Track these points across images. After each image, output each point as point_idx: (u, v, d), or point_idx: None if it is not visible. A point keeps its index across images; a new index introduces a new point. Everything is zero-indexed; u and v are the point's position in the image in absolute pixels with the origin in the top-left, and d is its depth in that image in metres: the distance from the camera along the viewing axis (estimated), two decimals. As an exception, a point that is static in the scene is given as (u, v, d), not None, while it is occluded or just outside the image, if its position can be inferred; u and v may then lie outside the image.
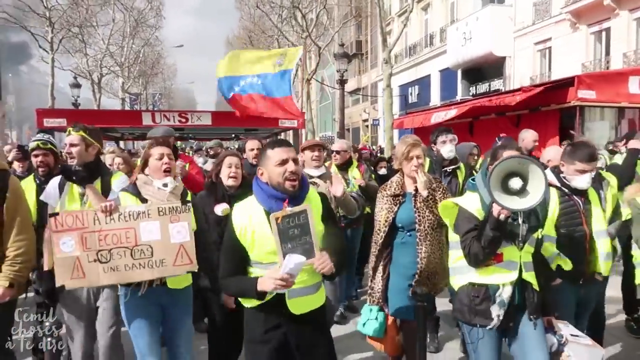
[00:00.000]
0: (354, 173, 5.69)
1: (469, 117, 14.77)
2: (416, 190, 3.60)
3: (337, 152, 5.50)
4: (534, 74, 20.12)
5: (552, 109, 12.10)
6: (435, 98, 27.49)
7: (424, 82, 28.88)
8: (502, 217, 2.62)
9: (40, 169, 4.01)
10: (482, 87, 23.08)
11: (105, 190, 3.36)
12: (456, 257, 2.97)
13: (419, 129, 18.56)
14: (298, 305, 2.52)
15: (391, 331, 3.73)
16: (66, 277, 2.94)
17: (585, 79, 11.69)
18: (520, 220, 2.71)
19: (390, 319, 3.73)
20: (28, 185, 3.94)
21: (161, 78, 46.80)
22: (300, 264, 2.32)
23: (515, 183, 2.57)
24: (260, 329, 2.55)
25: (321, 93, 47.79)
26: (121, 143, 24.19)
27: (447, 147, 5.08)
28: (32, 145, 4.07)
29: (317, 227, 2.49)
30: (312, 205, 2.53)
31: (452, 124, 15.68)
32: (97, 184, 3.37)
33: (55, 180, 3.49)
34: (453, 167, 5.14)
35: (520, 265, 2.81)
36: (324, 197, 2.71)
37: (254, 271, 2.55)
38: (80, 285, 3.04)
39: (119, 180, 3.49)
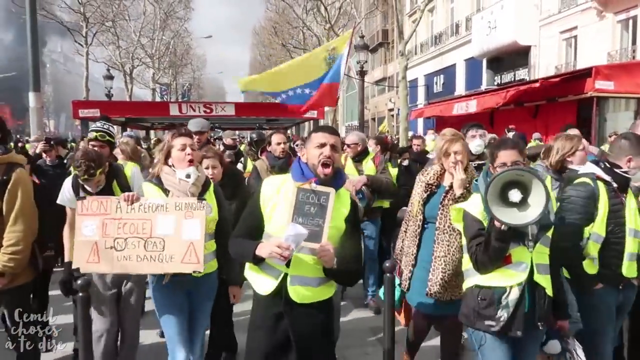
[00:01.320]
0: (369, 165, 5.66)
1: (489, 109, 14.90)
2: (451, 186, 3.44)
3: (348, 146, 5.51)
4: (559, 63, 19.89)
5: (569, 99, 12.18)
6: (460, 87, 27.36)
7: (449, 72, 28.76)
8: (504, 227, 2.49)
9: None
10: (507, 77, 22.91)
11: (125, 189, 3.51)
12: (466, 261, 2.86)
13: (440, 119, 18.78)
14: (298, 294, 2.51)
15: (407, 304, 3.81)
16: (83, 260, 3.05)
17: (603, 70, 11.75)
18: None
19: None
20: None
21: (190, 68, 47.73)
22: (301, 235, 2.33)
23: (515, 196, 2.45)
24: (262, 315, 2.58)
25: (347, 83, 47.88)
26: (151, 132, 25.16)
27: (475, 142, 4.79)
28: (90, 135, 4.01)
29: (334, 221, 2.48)
30: (340, 202, 2.55)
31: (471, 115, 15.92)
32: (115, 186, 3.50)
33: (68, 182, 3.56)
34: (480, 162, 4.86)
35: (532, 267, 2.65)
36: (355, 203, 2.68)
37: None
38: (94, 270, 3.15)
39: (133, 175, 3.77)
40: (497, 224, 2.50)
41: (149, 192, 3.21)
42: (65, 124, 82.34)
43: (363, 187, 5.13)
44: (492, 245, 2.55)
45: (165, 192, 3.19)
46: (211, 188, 3.31)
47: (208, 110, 13.79)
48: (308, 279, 2.53)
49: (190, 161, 3.15)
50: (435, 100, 27.93)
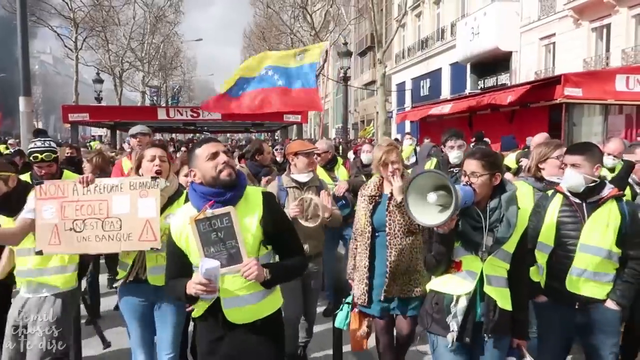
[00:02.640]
0: (340, 171, 5.74)
1: (467, 112, 15.48)
2: (392, 193, 3.56)
3: (318, 155, 5.35)
4: (539, 69, 20.49)
5: (541, 105, 12.73)
6: (445, 91, 27.92)
7: (435, 76, 29.30)
8: (440, 230, 2.55)
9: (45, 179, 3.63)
10: (490, 81, 23.51)
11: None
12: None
13: (423, 122, 19.32)
14: (236, 315, 2.41)
15: (354, 324, 3.76)
16: (45, 243, 3.12)
17: (572, 77, 12.31)
18: (484, 230, 2.59)
19: (355, 313, 3.74)
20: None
21: (181, 71, 48.04)
22: (214, 268, 2.25)
23: (431, 197, 2.49)
24: (205, 339, 2.51)
25: (338, 85, 48.43)
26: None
27: (454, 153, 4.95)
28: (34, 158, 3.75)
29: (248, 232, 2.39)
30: (249, 206, 2.45)
31: (452, 118, 16.50)
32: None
33: None
34: (459, 169, 4.98)
35: (482, 277, 2.65)
36: (268, 196, 2.59)
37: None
38: (56, 251, 3.20)
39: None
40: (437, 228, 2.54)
41: None
42: (54, 125, 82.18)
43: (345, 193, 5.09)
44: (434, 244, 2.63)
45: None
46: (181, 199, 3.23)
47: (195, 115, 14.20)
48: (244, 298, 2.41)
49: (158, 172, 3.18)
50: (420, 103, 28.53)
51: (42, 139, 3.92)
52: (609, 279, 3.05)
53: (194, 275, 2.35)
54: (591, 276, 3.02)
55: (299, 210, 3.87)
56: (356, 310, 3.72)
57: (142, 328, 3.24)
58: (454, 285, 2.68)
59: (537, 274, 3.18)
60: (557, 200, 3.14)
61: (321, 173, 5.24)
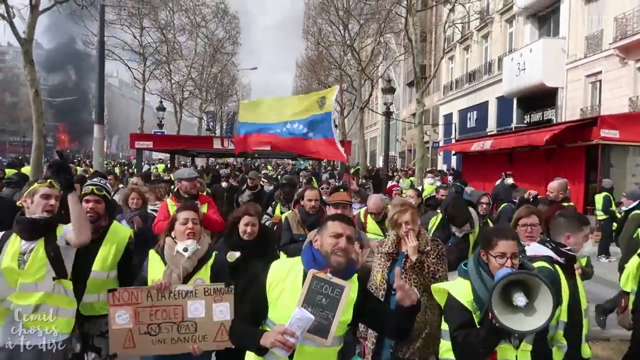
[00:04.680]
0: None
1: (507, 149, 15.93)
2: (407, 253, 3.56)
3: (371, 214, 5.29)
4: (584, 106, 20.57)
5: (578, 145, 13.08)
6: (492, 124, 28.17)
7: (482, 108, 29.63)
8: (499, 325, 2.37)
9: (89, 215, 3.65)
10: (536, 116, 23.68)
11: (51, 250, 3.16)
12: (446, 349, 2.71)
13: (465, 155, 19.78)
14: None
15: None
16: (119, 347, 3.18)
17: (608, 119, 12.72)
18: None
19: None
20: None
21: (236, 97, 50.46)
22: (308, 321, 2.24)
23: (521, 301, 2.31)
24: None
25: (392, 111, 49.23)
26: (197, 160, 27.25)
27: (458, 232, 4.94)
28: (85, 190, 3.86)
29: (344, 315, 2.39)
30: (351, 289, 2.45)
31: (493, 154, 16.95)
32: (41, 244, 3.16)
33: None
34: (465, 231, 5.02)
35: None
36: (362, 283, 2.64)
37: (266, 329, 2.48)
38: (130, 354, 3.25)
39: (66, 230, 3.24)
40: (491, 317, 2.37)
41: (152, 261, 3.36)
42: (117, 144, 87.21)
43: None
44: (482, 336, 2.45)
45: (165, 263, 3.30)
46: (209, 262, 3.36)
47: (247, 145, 15.47)
48: None
49: (191, 235, 3.26)
50: (465, 136, 28.86)
51: (99, 178, 4.25)
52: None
53: (269, 328, 2.40)
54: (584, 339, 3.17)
55: None
56: None
57: None
58: None
59: (559, 354, 3.04)
60: (561, 272, 3.09)
61: (371, 224, 5.28)
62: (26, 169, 14.51)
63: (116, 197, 6.73)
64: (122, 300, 3.14)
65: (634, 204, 7.42)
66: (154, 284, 3.18)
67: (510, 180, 10.20)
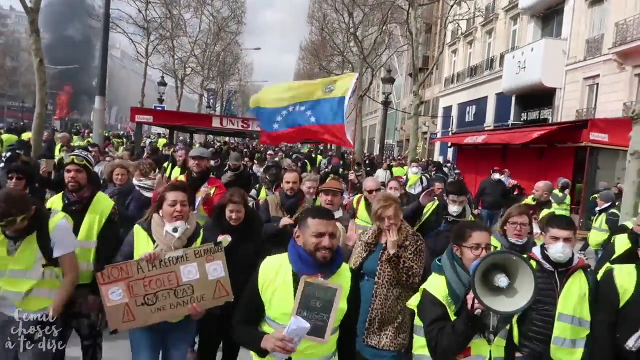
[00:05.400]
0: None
1: (501, 145, 16.29)
2: (387, 244, 3.61)
3: (369, 192, 5.28)
4: (581, 108, 20.88)
5: (568, 146, 13.43)
6: (490, 119, 28.47)
7: (481, 103, 29.90)
8: (478, 312, 2.38)
9: (70, 184, 3.82)
10: (533, 115, 24.00)
11: (42, 240, 3.20)
12: (420, 345, 2.72)
13: (460, 149, 20.12)
14: None
15: None
16: (119, 323, 3.11)
17: (599, 123, 13.07)
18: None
19: None
20: (55, 202, 3.88)
21: (238, 76, 50.48)
22: (304, 329, 2.31)
23: (502, 281, 2.32)
24: None
25: (390, 101, 49.39)
26: (195, 136, 27.50)
27: (454, 208, 5.00)
28: (67, 159, 3.98)
29: (340, 307, 2.48)
30: (341, 280, 2.54)
31: (487, 149, 17.30)
32: (32, 240, 3.19)
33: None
34: (456, 219, 5.07)
35: None
36: (355, 274, 2.71)
37: (267, 328, 2.56)
38: (132, 327, 3.19)
39: (57, 228, 3.29)
40: (469, 306, 2.38)
41: (139, 236, 3.34)
42: (116, 116, 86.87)
43: None
44: (458, 328, 2.45)
45: (153, 240, 3.28)
46: (199, 240, 3.38)
47: (246, 125, 15.67)
48: None
49: (178, 218, 3.24)
50: (462, 129, 29.16)
51: (81, 150, 4.37)
52: (582, 345, 3.26)
53: (272, 329, 2.49)
54: (571, 344, 3.20)
55: None
56: None
57: (152, 357, 3.38)
58: None
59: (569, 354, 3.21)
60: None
61: (362, 212, 5.32)
62: (27, 135, 14.80)
63: (97, 169, 6.91)
64: (112, 277, 3.07)
65: (606, 205, 7.93)
66: (143, 255, 3.15)
67: (497, 176, 10.54)
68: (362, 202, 5.37)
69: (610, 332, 3.17)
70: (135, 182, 5.93)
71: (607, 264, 3.60)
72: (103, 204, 3.89)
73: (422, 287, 2.75)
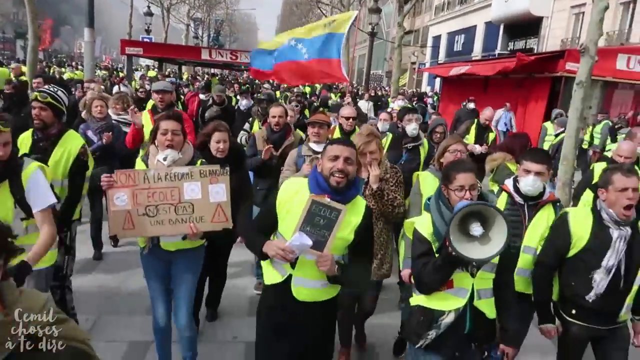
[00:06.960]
0: None
1: (482, 76, 16.70)
2: (369, 179, 3.64)
3: (347, 119, 5.15)
4: (566, 37, 21.12)
5: (544, 76, 13.89)
6: (477, 49, 28.59)
7: (469, 33, 29.86)
8: (455, 253, 2.45)
9: (35, 122, 3.72)
10: (519, 44, 24.21)
11: (17, 192, 2.99)
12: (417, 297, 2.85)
13: (445, 80, 20.50)
14: (300, 293, 2.68)
15: None
16: (119, 228, 3.21)
17: (575, 53, 13.37)
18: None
19: None
20: (24, 140, 3.79)
21: (224, 4, 49.03)
22: (305, 245, 2.47)
23: (477, 230, 2.43)
24: (268, 302, 2.81)
25: (376, 32, 48.56)
26: (184, 67, 27.45)
27: (411, 125, 5.27)
28: (32, 95, 3.88)
29: (341, 232, 2.58)
30: (353, 212, 2.64)
31: (470, 80, 17.78)
32: (5, 186, 2.97)
33: None
34: (414, 144, 5.39)
35: (473, 293, 2.65)
36: (369, 211, 2.75)
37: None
38: (130, 235, 3.29)
39: (31, 179, 3.05)
40: (449, 247, 2.44)
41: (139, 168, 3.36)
42: (100, 46, 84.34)
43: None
44: (437, 264, 2.56)
45: None
46: (199, 163, 3.40)
47: (234, 57, 15.92)
48: (311, 281, 2.67)
49: (170, 146, 3.25)
50: (450, 59, 29.28)
51: (51, 85, 4.02)
52: None
53: (276, 239, 2.69)
54: (528, 275, 3.23)
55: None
56: None
57: (160, 282, 3.47)
58: (444, 302, 2.67)
59: (528, 286, 3.23)
60: (503, 198, 3.31)
61: (337, 136, 5.21)
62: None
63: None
64: (120, 182, 3.15)
65: (560, 130, 8.66)
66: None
67: (471, 105, 10.99)
68: (337, 129, 5.34)
69: (544, 275, 3.15)
70: (113, 116, 6.05)
71: (566, 209, 3.37)
72: (71, 143, 3.80)
73: (414, 225, 2.83)
